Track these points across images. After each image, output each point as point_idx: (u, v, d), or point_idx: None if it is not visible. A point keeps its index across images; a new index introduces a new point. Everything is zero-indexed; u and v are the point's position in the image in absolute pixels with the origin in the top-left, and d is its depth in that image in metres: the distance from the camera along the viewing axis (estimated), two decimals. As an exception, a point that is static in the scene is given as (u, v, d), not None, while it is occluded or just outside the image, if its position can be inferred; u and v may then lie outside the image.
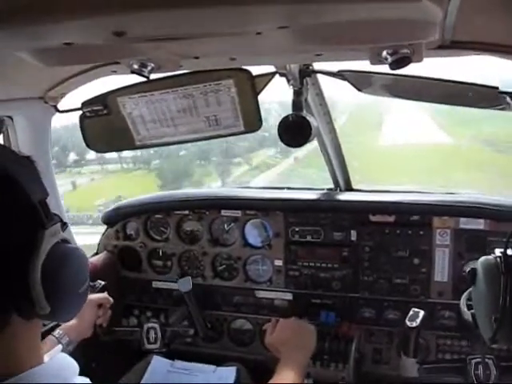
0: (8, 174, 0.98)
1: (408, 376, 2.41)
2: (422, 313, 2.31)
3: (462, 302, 2.15)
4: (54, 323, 2.18)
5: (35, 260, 0.97)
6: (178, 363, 2.83)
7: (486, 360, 2.30)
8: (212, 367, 2.77)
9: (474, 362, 2.33)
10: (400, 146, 20.99)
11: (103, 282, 2.48)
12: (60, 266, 1.02)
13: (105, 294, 2.41)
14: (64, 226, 1.09)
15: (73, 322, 2.20)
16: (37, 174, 1.09)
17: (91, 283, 2.46)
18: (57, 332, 2.13)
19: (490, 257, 1.80)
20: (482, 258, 1.83)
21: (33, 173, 1.08)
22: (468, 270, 1.96)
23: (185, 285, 2.79)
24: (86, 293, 1.14)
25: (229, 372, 2.74)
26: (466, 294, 2.14)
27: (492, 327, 1.73)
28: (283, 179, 15.77)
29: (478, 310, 1.93)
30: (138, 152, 13.35)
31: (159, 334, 2.79)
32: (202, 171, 16.25)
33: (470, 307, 2.07)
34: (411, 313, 2.32)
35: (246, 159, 17.55)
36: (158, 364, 2.80)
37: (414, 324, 2.28)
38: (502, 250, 1.74)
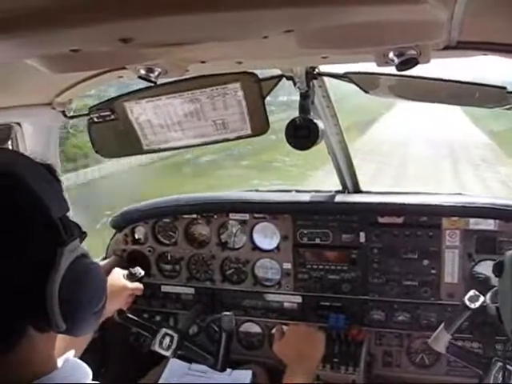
0: (29, 188, 0.96)
1: (435, 349, 2.40)
2: (482, 298, 2.28)
3: (489, 297, 2.15)
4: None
5: (53, 277, 0.96)
6: (195, 366, 2.82)
7: (509, 367, 2.28)
8: (227, 370, 2.76)
9: (498, 364, 2.31)
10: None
11: (143, 272, 2.53)
12: (77, 284, 1.01)
13: (140, 285, 2.48)
14: (83, 235, 1.08)
15: None
16: (59, 186, 1.07)
17: (132, 270, 2.52)
18: None
19: None
20: (510, 252, 1.84)
21: (55, 185, 1.05)
22: (495, 262, 1.97)
23: (228, 323, 2.59)
24: (102, 310, 1.13)
25: (244, 375, 2.74)
26: (493, 290, 2.14)
27: None
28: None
29: (503, 303, 1.93)
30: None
31: (175, 345, 2.70)
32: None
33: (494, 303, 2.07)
34: (471, 293, 2.29)
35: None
36: (176, 367, 2.79)
37: (473, 306, 2.26)
38: None
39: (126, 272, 2.50)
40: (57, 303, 0.96)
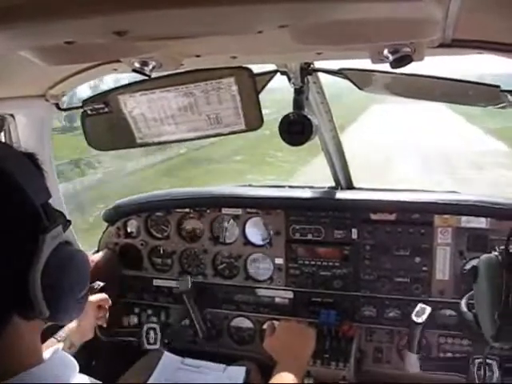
0: (10, 176, 0.97)
1: (410, 371, 2.42)
2: (428, 309, 2.32)
3: (463, 304, 2.16)
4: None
5: (35, 264, 0.96)
6: (188, 360, 2.82)
7: (489, 361, 2.30)
8: (221, 366, 2.77)
9: (477, 361, 2.33)
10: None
11: (102, 284, 2.46)
12: (60, 270, 1.01)
13: (104, 295, 2.40)
14: (67, 224, 1.08)
15: (74, 324, 2.21)
16: (40, 174, 1.07)
17: (90, 284, 2.46)
18: (59, 335, 2.14)
19: (491, 254, 1.82)
20: (483, 256, 1.85)
21: (35, 173, 1.05)
22: (469, 267, 1.97)
23: (184, 284, 2.81)
24: (87, 296, 1.14)
25: (238, 371, 2.74)
26: (467, 295, 2.15)
27: (494, 325, 1.74)
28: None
29: (479, 309, 1.94)
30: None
31: (159, 335, 2.81)
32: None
33: (470, 309, 2.09)
34: (418, 308, 2.33)
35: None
36: (169, 360, 2.80)
37: (420, 320, 2.29)
38: (503, 247, 1.76)
39: None
40: (40, 289, 0.97)
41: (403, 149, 19.69)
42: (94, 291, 2.41)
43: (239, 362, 2.83)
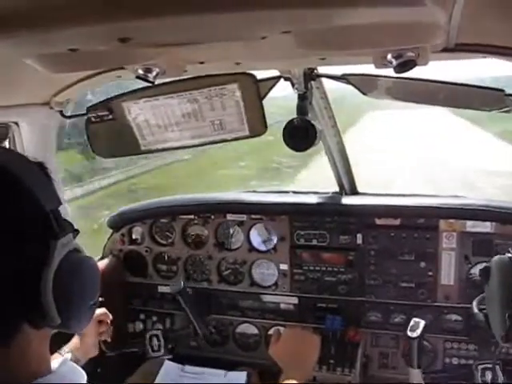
0: (21, 183, 0.97)
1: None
2: (422, 323, 2.31)
3: (475, 305, 2.15)
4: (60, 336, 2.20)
5: (46, 271, 0.96)
6: (189, 368, 2.82)
7: (493, 366, 2.29)
8: (222, 372, 2.77)
9: (480, 368, 2.32)
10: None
11: (101, 298, 2.45)
12: (71, 277, 1.02)
13: (104, 310, 2.38)
14: (75, 232, 1.08)
15: (76, 341, 2.20)
16: (50, 182, 1.07)
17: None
18: (63, 351, 2.13)
19: (504, 255, 1.82)
20: (496, 257, 1.86)
21: (46, 181, 1.06)
22: (481, 268, 1.97)
23: (176, 285, 2.79)
24: (96, 304, 1.14)
25: (239, 376, 2.74)
26: (478, 297, 2.14)
27: (505, 325, 1.74)
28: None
29: (490, 309, 1.94)
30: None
31: (162, 341, 2.80)
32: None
33: (481, 311, 2.08)
34: (412, 323, 2.33)
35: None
36: (169, 369, 2.80)
37: (415, 334, 2.29)
38: None
39: None
40: (51, 297, 0.97)
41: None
42: None
43: (240, 367, 2.83)
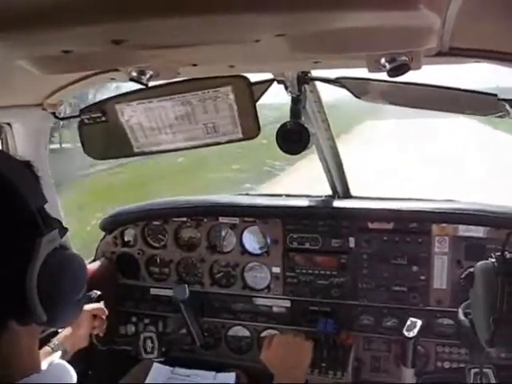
0: (6, 181, 0.98)
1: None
2: (419, 322, 2.32)
3: (461, 311, 2.16)
4: (51, 331, 2.18)
5: (31, 268, 0.97)
6: (178, 370, 2.82)
7: (485, 370, 2.30)
8: (212, 373, 2.78)
9: (473, 372, 2.33)
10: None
11: (99, 292, 2.44)
12: (56, 273, 1.02)
13: (100, 305, 2.38)
14: (63, 231, 1.09)
15: (68, 332, 2.19)
16: (36, 180, 1.08)
17: (87, 293, 2.45)
18: (52, 343, 2.12)
19: (487, 261, 1.83)
20: (480, 263, 1.88)
21: (32, 179, 1.07)
22: (465, 274, 1.98)
23: (181, 292, 2.78)
24: (84, 300, 1.14)
25: (228, 377, 2.76)
26: (464, 304, 2.15)
27: (490, 330, 1.75)
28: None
29: (475, 314, 1.95)
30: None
31: (156, 343, 2.80)
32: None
33: (467, 316, 2.09)
34: (408, 323, 2.33)
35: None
36: (158, 371, 2.79)
37: (412, 334, 2.29)
38: (499, 253, 1.78)
39: None
40: (36, 293, 0.97)
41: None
42: (90, 300, 2.38)
43: (229, 369, 2.84)
